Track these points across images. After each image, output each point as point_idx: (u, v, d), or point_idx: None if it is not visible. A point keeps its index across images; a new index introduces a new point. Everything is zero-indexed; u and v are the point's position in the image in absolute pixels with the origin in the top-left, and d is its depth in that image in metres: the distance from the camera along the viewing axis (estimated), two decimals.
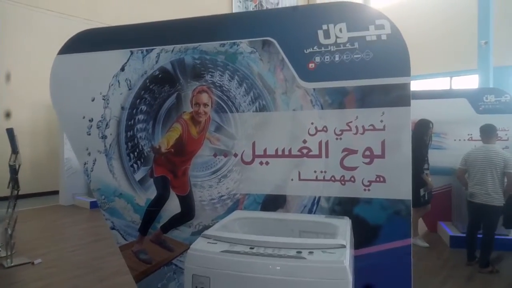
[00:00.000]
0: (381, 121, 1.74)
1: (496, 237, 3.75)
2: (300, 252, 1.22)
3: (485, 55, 7.87)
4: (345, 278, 1.14)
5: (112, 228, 2.22)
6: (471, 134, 5.13)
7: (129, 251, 2.19)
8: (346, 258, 1.19)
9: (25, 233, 6.01)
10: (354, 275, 1.39)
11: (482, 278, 3.57)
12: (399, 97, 1.71)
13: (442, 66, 9.87)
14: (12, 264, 4.31)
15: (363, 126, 1.77)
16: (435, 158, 4.68)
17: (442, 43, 9.75)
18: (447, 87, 10.23)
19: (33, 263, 4.42)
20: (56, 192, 7.81)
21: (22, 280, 3.97)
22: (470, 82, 9.65)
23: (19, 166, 4.49)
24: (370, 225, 1.76)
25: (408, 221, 1.71)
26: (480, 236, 3.83)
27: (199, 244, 1.34)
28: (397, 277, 1.73)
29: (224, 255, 1.25)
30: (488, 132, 3.81)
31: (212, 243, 1.33)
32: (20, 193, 7.81)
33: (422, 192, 4.26)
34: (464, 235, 4.20)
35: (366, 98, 1.76)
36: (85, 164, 2.22)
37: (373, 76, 1.74)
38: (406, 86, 1.71)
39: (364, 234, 1.75)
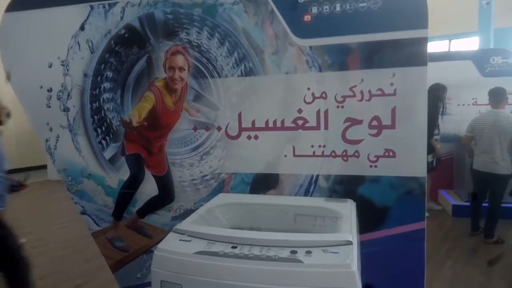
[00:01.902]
0: (392, 84, 1.45)
1: (501, 205, 3.56)
2: (295, 252, 0.96)
3: (486, 16, 7.46)
4: (353, 285, 0.89)
5: (83, 213, 1.96)
6: (476, 98, 4.87)
7: (103, 237, 1.94)
8: (353, 259, 0.93)
9: (11, 211, 5.80)
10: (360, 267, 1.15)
11: (487, 249, 3.41)
12: (414, 54, 1.41)
13: (440, 29, 9.40)
14: None
15: (369, 91, 1.47)
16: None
17: (441, 4, 9.23)
18: (446, 51, 9.83)
19: None
20: (45, 167, 7.53)
21: None
22: (470, 44, 9.23)
23: None
24: (377, 207, 1.51)
25: (422, 202, 1.46)
26: (485, 205, 3.64)
27: (169, 243, 1.07)
28: (408, 265, 1.50)
29: (199, 257, 0.99)
30: (498, 96, 3.52)
31: (185, 240, 1.07)
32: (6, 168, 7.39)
33: (430, 158, 4.07)
34: (467, 203, 4.03)
35: (373, 57, 1.45)
36: (47, 141, 1.92)
37: (382, 30, 1.43)
38: (423, 41, 1.40)
39: (369, 218, 1.50)
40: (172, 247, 1.04)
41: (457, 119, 4.71)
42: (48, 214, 5.38)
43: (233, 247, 1.01)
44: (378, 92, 1.46)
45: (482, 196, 3.67)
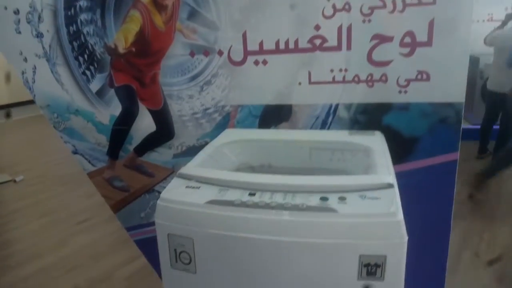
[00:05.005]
0: None
1: None
2: (325, 199, 0.80)
3: None
4: (399, 238, 0.75)
5: (75, 153, 1.79)
6: (492, 14, 4.50)
7: (100, 178, 1.80)
8: (398, 205, 0.78)
9: (5, 148, 5.67)
10: None
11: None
12: None
13: None
14: None
15: (403, 0, 1.21)
16: None
17: None
18: None
19: (15, 181, 4.16)
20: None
21: (3, 201, 3.73)
22: None
23: None
24: (405, 138, 1.34)
25: (457, 131, 1.29)
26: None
27: (174, 191, 0.91)
28: (434, 201, 1.38)
29: (212, 207, 0.83)
30: None
31: (193, 187, 0.90)
32: None
33: None
34: (474, 127, 3.92)
35: None
36: (23, 73, 1.67)
37: None
38: None
39: (396, 150, 1.33)
40: (178, 196, 0.88)
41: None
42: (43, 150, 5.26)
43: (251, 194, 0.85)
44: (414, 0, 1.20)
45: (493, 118, 3.54)
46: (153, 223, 1.81)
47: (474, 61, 3.69)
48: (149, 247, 1.77)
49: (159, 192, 1.73)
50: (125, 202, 1.82)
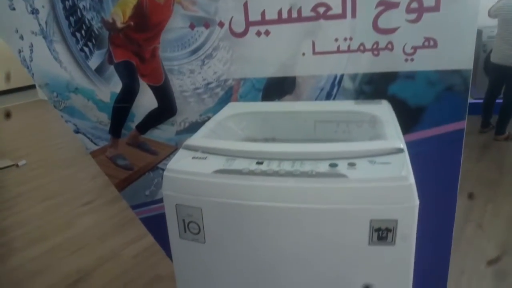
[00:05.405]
0: None
1: None
2: (335, 166, 0.79)
3: None
4: (411, 201, 0.74)
5: (77, 132, 1.77)
6: None
7: (103, 157, 1.79)
8: (409, 170, 0.77)
9: (6, 133, 5.65)
10: None
11: (498, 146, 3.36)
12: None
13: None
14: None
15: None
16: None
17: None
18: None
19: (17, 165, 4.16)
20: (33, 86, 7.19)
21: (6, 186, 3.75)
22: None
23: None
24: (411, 107, 1.32)
25: (464, 99, 1.27)
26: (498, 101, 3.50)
27: (181, 162, 0.90)
28: (441, 170, 1.37)
29: (220, 176, 0.82)
30: None
31: (200, 158, 0.89)
32: None
33: None
34: (477, 101, 3.88)
35: None
36: (20, 52, 1.64)
37: None
38: None
39: (402, 119, 1.32)
40: (185, 167, 0.87)
41: None
42: (43, 134, 5.25)
43: (259, 163, 0.83)
44: None
45: (496, 92, 3.50)
46: (158, 201, 1.83)
47: (477, 34, 3.63)
48: (155, 225, 1.79)
49: (163, 170, 1.72)
50: (129, 181, 1.82)
